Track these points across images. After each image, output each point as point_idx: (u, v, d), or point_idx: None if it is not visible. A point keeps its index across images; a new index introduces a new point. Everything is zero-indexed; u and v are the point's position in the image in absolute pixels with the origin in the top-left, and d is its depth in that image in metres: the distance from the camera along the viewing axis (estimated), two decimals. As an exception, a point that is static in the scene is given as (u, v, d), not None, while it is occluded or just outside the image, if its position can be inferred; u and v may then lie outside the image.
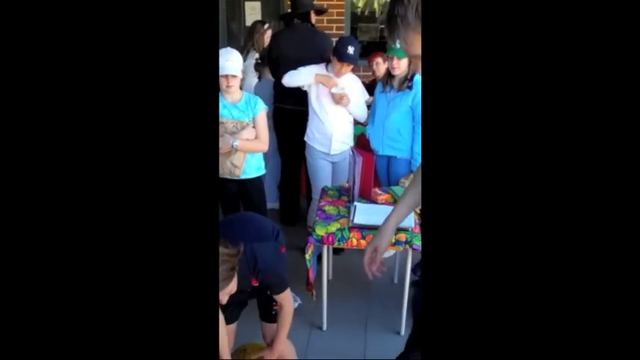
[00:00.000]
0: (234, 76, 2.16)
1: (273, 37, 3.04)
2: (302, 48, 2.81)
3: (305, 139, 2.76)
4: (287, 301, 1.68)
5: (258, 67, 3.22)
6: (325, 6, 3.54)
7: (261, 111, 2.26)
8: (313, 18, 2.96)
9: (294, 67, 2.66)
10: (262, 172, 2.39)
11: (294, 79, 2.63)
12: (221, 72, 2.14)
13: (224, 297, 1.39)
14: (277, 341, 1.74)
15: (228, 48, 2.25)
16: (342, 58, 2.48)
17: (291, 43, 2.86)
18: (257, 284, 1.57)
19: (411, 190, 1.31)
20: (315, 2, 3.24)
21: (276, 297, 1.65)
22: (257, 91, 3.11)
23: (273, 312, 1.77)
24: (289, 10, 3.08)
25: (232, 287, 1.42)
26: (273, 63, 2.94)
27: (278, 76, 2.88)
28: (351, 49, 2.47)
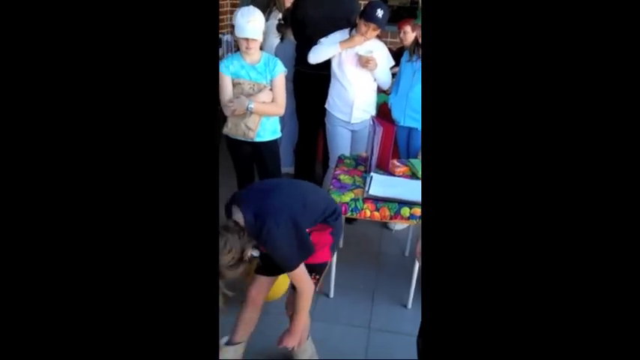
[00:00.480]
0: (254, 40, 2.09)
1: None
2: (328, 9, 2.70)
3: (325, 105, 2.69)
4: (300, 283, 1.50)
5: (280, 27, 3.12)
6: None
7: (280, 74, 2.19)
8: None
9: (319, 30, 2.56)
10: (277, 135, 2.35)
11: (319, 55, 2.52)
12: (241, 34, 2.07)
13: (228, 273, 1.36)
14: (295, 325, 1.58)
15: (251, 7, 2.16)
16: (370, 19, 2.37)
17: (316, 3, 2.75)
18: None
19: None
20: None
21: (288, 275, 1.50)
22: (278, 53, 3.03)
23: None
24: None
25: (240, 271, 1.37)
26: (297, 24, 2.84)
27: (301, 38, 2.79)
28: (380, 12, 2.36)
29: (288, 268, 1.44)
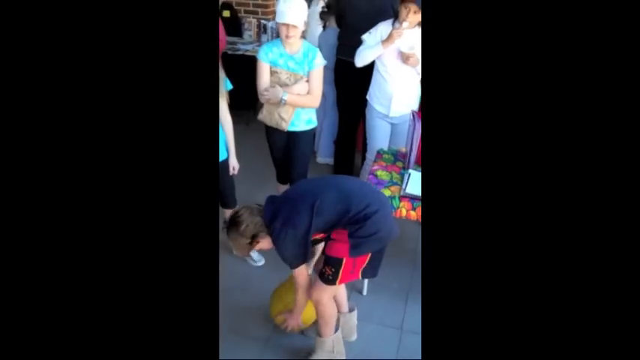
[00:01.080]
0: (294, 26, 2.03)
1: None
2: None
3: (367, 96, 2.61)
4: (296, 277, 1.69)
5: (323, 15, 3.05)
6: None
7: (318, 66, 2.13)
8: None
9: (363, 18, 2.47)
10: (312, 125, 2.29)
11: (364, 58, 2.41)
12: (281, 19, 2.02)
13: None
14: (294, 308, 1.80)
15: None
16: None
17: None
18: None
19: None
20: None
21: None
22: (321, 41, 2.96)
23: (324, 271, 1.68)
24: None
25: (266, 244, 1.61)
26: (341, 12, 2.77)
27: (344, 26, 2.70)
28: None
29: (289, 265, 1.66)
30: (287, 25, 2.02)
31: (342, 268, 1.63)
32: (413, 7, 2.26)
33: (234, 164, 2.22)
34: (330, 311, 1.76)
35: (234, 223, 1.64)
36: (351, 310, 1.95)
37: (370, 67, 2.54)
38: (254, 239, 1.64)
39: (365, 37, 2.46)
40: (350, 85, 2.80)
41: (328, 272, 1.65)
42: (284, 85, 2.10)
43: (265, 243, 1.65)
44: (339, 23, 2.84)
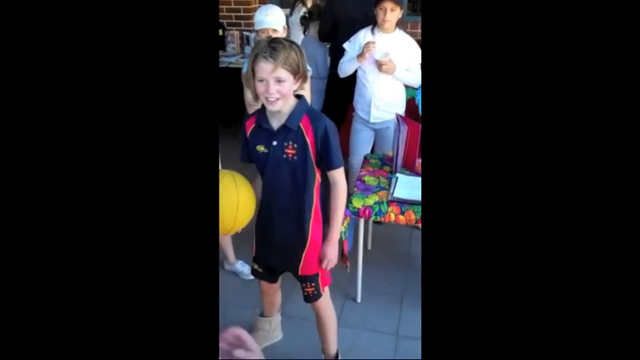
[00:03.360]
0: (274, 30, 2.04)
1: None
2: (357, 7, 2.65)
3: (353, 103, 2.63)
4: (342, 180, 1.50)
5: (304, 20, 3.07)
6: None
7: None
8: None
9: (351, 30, 2.50)
10: None
11: (343, 71, 2.50)
12: (260, 26, 2.03)
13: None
14: (333, 232, 1.54)
15: (270, 4, 2.13)
16: None
17: (349, 3, 2.70)
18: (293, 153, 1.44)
19: None
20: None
21: (330, 173, 1.48)
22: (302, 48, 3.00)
23: (306, 294, 1.65)
24: None
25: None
26: (329, 26, 2.81)
27: (334, 40, 2.74)
28: None
29: (335, 165, 1.47)
30: (267, 32, 2.03)
31: (320, 278, 1.63)
32: (389, 5, 2.27)
33: None
34: (330, 313, 1.75)
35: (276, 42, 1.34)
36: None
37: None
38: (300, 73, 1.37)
39: (346, 46, 2.48)
40: (338, 93, 2.83)
41: (310, 291, 1.64)
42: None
43: (287, 84, 1.35)
44: (323, 37, 2.88)
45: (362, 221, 2.06)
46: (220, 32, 4.12)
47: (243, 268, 2.41)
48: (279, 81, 1.33)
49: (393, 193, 1.97)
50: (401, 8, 2.36)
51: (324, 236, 1.57)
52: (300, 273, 1.61)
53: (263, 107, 1.46)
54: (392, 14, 2.30)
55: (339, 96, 2.82)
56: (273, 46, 1.32)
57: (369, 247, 2.56)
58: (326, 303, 1.71)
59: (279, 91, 1.35)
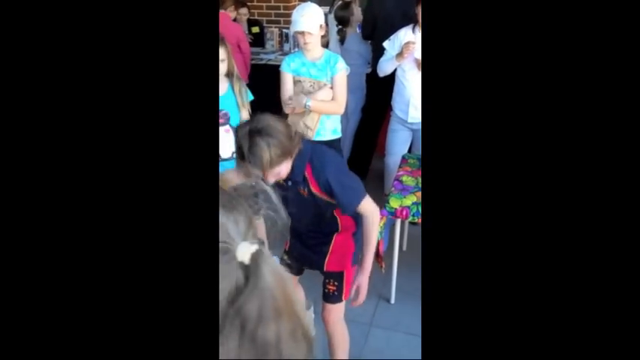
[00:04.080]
0: (309, 33, 2.03)
1: None
2: (401, 5, 2.62)
3: (391, 102, 2.60)
4: (368, 210, 1.45)
5: (340, 32, 3.07)
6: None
7: (341, 71, 2.12)
8: None
9: (394, 28, 2.47)
10: (338, 134, 2.29)
11: (382, 70, 2.48)
12: (295, 28, 2.04)
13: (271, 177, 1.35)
14: (365, 260, 1.51)
15: (309, 3, 2.12)
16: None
17: (390, 3, 2.69)
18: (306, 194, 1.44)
19: None
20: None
21: (357, 210, 1.45)
22: (344, 54, 3.00)
23: (327, 291, 1.61)
24: None
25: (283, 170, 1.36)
26: (370, 23, 2.80)
27: (375, 37, 2.73)
28: None
29: (357, 201, 1.44)
30: (302, 33, 2.04)
31: (345, 279, 1.58)
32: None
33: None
34: (341, 330, 1.66)
35: (261, 131, 1.29)
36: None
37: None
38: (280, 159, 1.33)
39: (386, 44, 2.46)
40: (379, 91, 2.81)
41: (332, 289, 1.59)
42: (308, 93, 2.11)
43: (284, 168, 1.36)
44: (368, 35, 2.87)
45: (398, 222, 2.03)
46: (258, 29, 4.15)
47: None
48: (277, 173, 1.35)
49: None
50: None
51: (359, 264, 1.54)
52: (325, 269, 1.59)
53: None
54: None
55: (379, 95, 2.80)
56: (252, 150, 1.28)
57: (404, 248, 2.53)
58: (341, 323, 1.66)
59: (277, 177, 1.37)
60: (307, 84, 2.13)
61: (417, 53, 2.30)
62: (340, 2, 3.04)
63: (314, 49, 2.10)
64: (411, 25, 2.39)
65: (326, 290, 1.62)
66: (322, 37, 2.17)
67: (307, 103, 2.06)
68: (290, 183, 1.44)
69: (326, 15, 2.41)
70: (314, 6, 2.08)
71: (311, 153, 1.41)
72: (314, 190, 1.43)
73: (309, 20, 2.01)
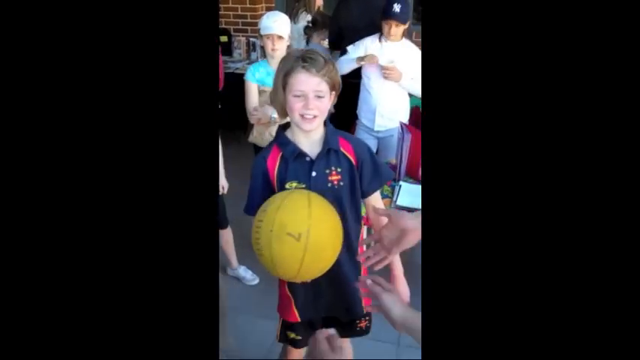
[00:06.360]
0: (280, 37, 2.05)
1: (340, 2, 2.91)
2: (366, 15, 2.66)
3: (357, 111, 2.63)
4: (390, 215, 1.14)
5: (307, 30, 3.09)
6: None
7: (306, 81, 2.15)
8: None
9: (359, 37, 2.51)
10: None
11: (341, 68, 2.45)
12: (266, 31, 2.06)
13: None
14: (398, 279, 1.34)
15: (276, 11, 2.16)
16: (388, 14, 2.28)
17: (357, 12, 2.73)
18: (338, 179, 1.24)
19: None
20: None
21: (374, 195, 1.31)
22: None
23: (358, 329, 1.43)
24: None
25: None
26: (336, 32, 2.84)
27: (341, 46, 2.76)
28: (397, 6, 2.25)
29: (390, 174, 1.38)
30: (272, 37, 2.05)
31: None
32: (393, 22, 2.30)
33: (223, 184, 2.22)
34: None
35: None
36: None
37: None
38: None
39: (349, 48, 2.50)
40: (344, 100, 2.83)
41: (364, 324, 1.44)
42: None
43: (327, 100, 1.19)
44: (334, 44, 2.89)
45: (365, 229, 2.05)
46: (226, 38, 4.15)
47: (246, 274, 2.42)
48: (319, 96, 1.16)
49: (396, 201, 1.97)
50: (406, 24, 2.38)
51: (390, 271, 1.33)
52: (364, 310, 1.38)
53: (281, 134, 1.27)
54: (397, 29, 2.33)
55: (345, 104, 2.82)
56: (311, 56, 1.15)
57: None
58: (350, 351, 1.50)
59: (319, 107, 1.17)
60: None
61: (382, 60, 2.34)
62: (308, 20, 3.09)
63: (280, 58, 2.11)
64: (377, 35, 2.44)
65: (358, 329, 1.44)
66: (287, 47, 2.19)
67: (273, 115, 2.07)
68: (315, 174, 1.21)
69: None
70: (282, 15, 2.12)
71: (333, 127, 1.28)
72: (352, 160, 1.25)
73: (281, 25, 2.04)
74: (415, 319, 0.88)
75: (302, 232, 0.99)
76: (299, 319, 1.39)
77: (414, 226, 0.99)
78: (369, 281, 0.99)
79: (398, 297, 0.95)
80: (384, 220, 1.07)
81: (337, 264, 1.17)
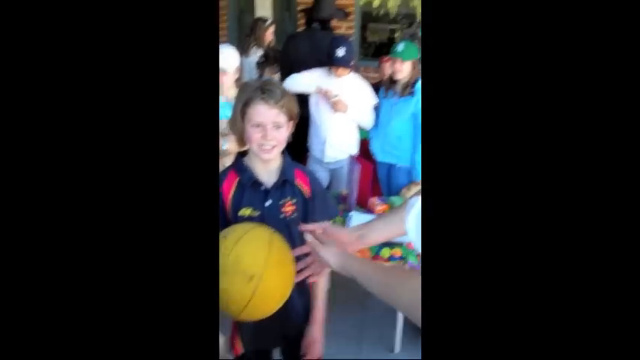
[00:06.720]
0: (223, 72, 2.07)
1: (288, 39, 2.96)
2: (316, 49, 2.74)
3: (307, 143, 2.67)
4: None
5: (260, 65, 3.14)
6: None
7: (257, 112, 2.17)
8: (333, 22, 2.88)
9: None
10: None
11: (295, 83, 2.50)
12: None
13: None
14: (317, 309, 1.35)
15: (224, 44, 2.18)
16: (331, 61, 2.35)
17: (305, 49, 2.79)
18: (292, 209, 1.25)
19: (382, 221, 1.11)
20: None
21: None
22: None
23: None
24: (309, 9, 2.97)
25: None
26: (286, 68, 2.89)
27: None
28: (340, 51, 2.31)
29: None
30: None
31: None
32: (335, 66, 2.38)
33: None
34: None
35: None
36: None
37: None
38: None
39: (296, 74, 2.54)
40: (294, 133, 2.87)
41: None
42: (222, 135, 2.11)
43: (285, 130, 1.22)
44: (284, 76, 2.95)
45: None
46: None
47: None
48: (277, 127, 1.19)
49: (347, 231, 1.99)
50: (349, 68, 2.42)
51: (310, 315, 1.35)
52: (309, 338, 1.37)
53: (239, 161, 1.28)
54: (343, 70, 2.40)
55: (296, 137, 2.86)
56: (269, 88, 1.17)
57: (328, 285, 2.53)
58: None
59: (277, 138, 1.19)
60: (223, 125, 2.13)
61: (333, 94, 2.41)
62: (261, 55, 3.14)
63: (229, 91, 2.13)
64: (326, 68, 2.50)
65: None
66: (237, 80, 2.21)
67: (224, 146, 2.07)
68: (269, 203, 1.22)
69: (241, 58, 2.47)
70: (230, 47, 2.13)
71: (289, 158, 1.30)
72: (306, 192, 1.27)
73: (226, 60, 2.06)
74: (352, 261, 0.97)
75: (255, 274, 0.97)
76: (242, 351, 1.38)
77: (326, 259, 1.01)
78: (308, 237, 1.06)
79: (334, 249, 1.02)
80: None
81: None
